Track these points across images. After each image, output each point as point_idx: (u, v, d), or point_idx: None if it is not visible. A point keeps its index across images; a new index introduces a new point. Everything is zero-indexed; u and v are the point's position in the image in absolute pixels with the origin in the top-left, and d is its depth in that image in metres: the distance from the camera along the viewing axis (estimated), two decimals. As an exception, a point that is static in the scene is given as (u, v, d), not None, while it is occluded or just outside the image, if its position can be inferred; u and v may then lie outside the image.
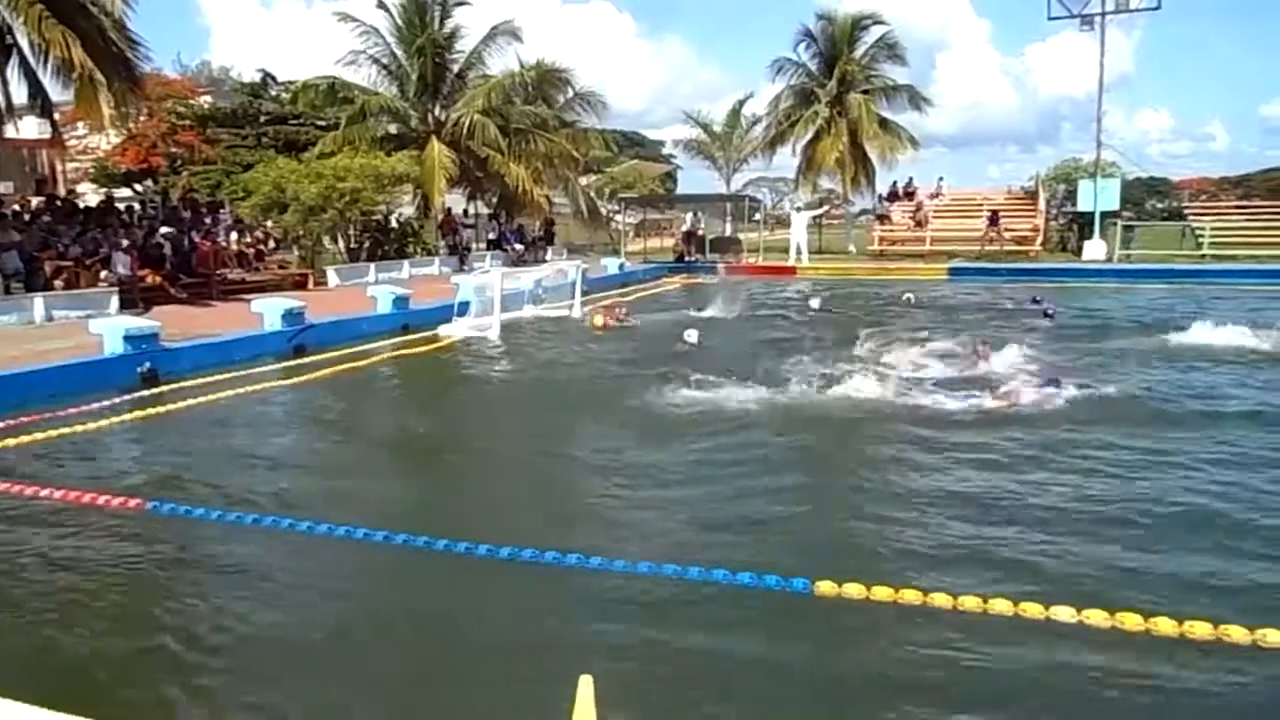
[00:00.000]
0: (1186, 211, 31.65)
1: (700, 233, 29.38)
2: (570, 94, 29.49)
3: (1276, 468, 6.04)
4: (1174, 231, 28.88)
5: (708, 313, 15.53)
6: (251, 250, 19.32)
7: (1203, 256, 25.70)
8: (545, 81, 28.03)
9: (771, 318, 15.69)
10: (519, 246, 26.98)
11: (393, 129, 26.79)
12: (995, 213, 28.74)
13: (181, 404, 8.57)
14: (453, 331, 13.16)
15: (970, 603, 4.00)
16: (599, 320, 13.72)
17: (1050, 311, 14.68)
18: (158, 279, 15.41)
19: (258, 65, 51.13)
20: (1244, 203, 35.50)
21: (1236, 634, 3.70)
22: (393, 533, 4.93)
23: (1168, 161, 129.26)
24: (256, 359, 10.74)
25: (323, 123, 30.07)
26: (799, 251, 27.13)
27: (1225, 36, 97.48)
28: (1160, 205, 34.47)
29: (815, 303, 16.65)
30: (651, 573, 4.39)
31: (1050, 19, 27.95)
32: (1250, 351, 10.55)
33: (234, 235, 19.46)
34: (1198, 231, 27.41)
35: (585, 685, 3.05)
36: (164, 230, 17.12)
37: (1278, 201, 33.10)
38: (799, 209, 29.82)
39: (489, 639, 3.91)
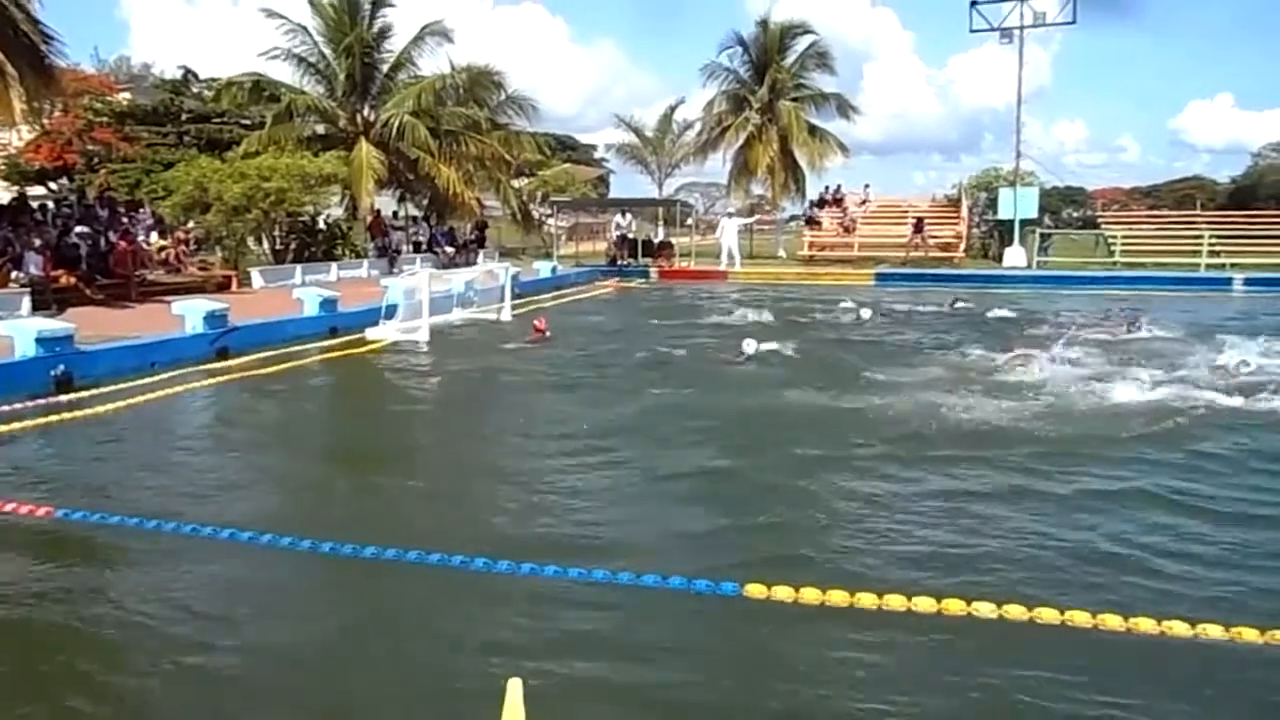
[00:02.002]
0: (1100, 220, 32.81)
1: (631, 236, 29.47)
2: (502, 96, 29.37)
3: None
4: (1088, 239, 29.93)
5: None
6: (172, 251, 18.78)
7: (1115, 263, 26.68)
8: (476, 84, 27.84)
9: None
10: (449, 249, 26.71)
11: (320, 129, 26.32)
12: (920, 220, 29.37)
13: (98, 409, 8.31)
14: (381, 334, 12.99)
15: (895, 601, 4.10)
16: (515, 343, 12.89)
17: (1136, 322, 13.83)
18: (72, 280, 14.90)
19: (180, 62, 49.73)
20: (1153, 212, 36.98)
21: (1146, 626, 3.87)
22: (318, 540, 4.85)
23: (1083, 171, 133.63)
24: (177, 362, 10.46)
25: (247, 121, 29.42)
26: (730, 256, 27.39)
27: (1136, 53, 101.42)
28: (1076, 214, 35.75)
29: (865, 313, 15.59)
30: (582, 578, 4.41)
31: (972, 32, 28.73)
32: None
33: (154, 235, 18.91)
34: (1110, 239, 28.46)
35: (514, 688, 3.06)
36: (79, 229, 16.54)
37: (1184, 211, 34.63)
38: (730, 215, 30.10)
39: (417, 644, 3.88)
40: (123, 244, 16.52)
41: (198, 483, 6.17)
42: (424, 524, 5.40)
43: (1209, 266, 24.89)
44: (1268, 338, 10.98)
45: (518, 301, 16.52)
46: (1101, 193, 48.98)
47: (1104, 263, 26.99)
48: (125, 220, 18.45)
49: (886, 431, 7.31)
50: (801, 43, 32.43)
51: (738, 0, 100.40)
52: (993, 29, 28.38)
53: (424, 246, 26.69)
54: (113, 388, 9.08)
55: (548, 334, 13.00)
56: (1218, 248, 26.00)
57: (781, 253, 32.38)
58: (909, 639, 3.86)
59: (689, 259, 28.77)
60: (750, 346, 11.21)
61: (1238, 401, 8.07)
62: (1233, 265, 24.43)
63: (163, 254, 18.43)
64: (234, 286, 18.43)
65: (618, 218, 29.94)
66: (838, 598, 4.15)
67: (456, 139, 26.35)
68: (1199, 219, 30.54)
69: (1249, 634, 3.78)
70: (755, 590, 4.22)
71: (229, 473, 6.59)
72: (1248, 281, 21.66)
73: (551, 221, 35.19)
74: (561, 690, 3.43)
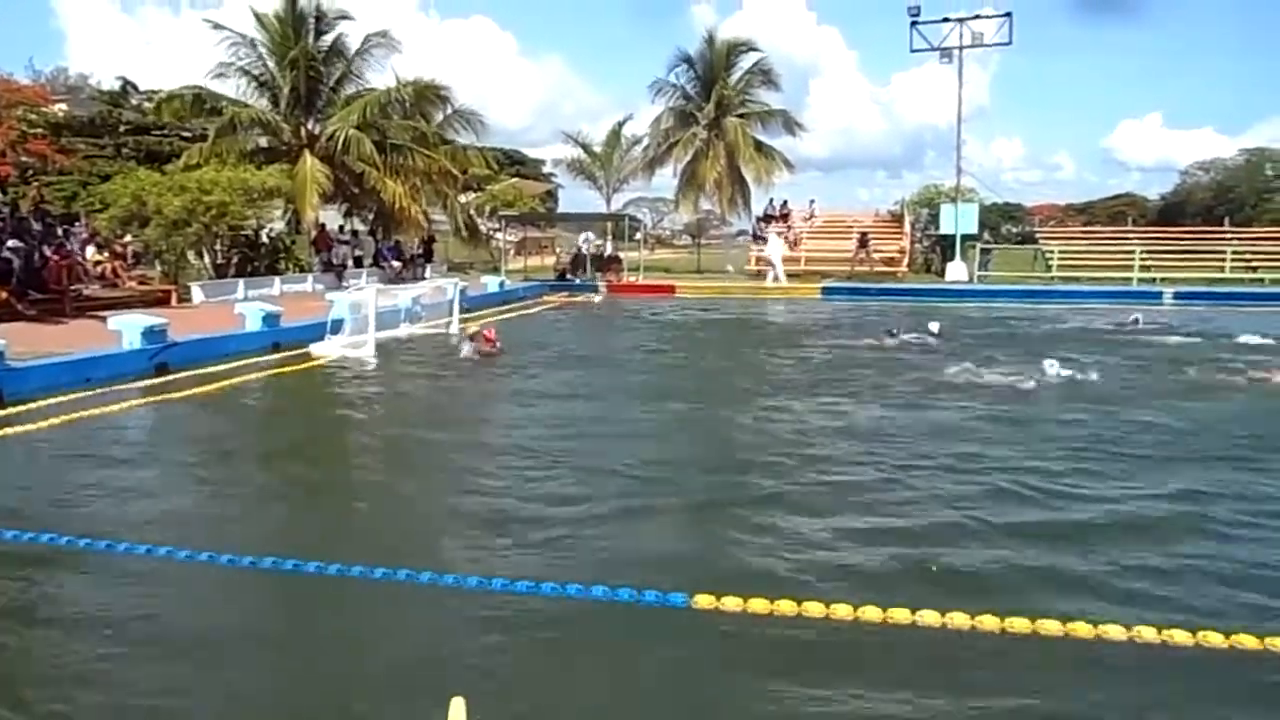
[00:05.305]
0: (1038, 236, 33.69)
1: (594, 252, 29.73)
2: (449, 110, 29.26)
3: None
4: (1026, 254, 30.69)
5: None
6: (109, 265, 18.36)
7: (1052, 278, 27.37)
8: (422, 98, 27.69)
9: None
10: (396, 264, 26.49)
11: (264, 142, 25.99)
12: (864, 234, 29.85)
13: (30, 426, 8.05)
14: (325, 350, 12.80)
15: (841, 610, 4.12)
16: (467, 349, 12.71)
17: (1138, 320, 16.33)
18: (3, 294, 14.48)
19: (118, 73, 48.50)
20: (1088, 228, 38.10)
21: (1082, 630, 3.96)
22: (259, 557, 4.78)
23: (1021, 188, 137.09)
24: (114, 379, 10.20)
25: (188, 134, 28.94)
26: (776, 274, 27.35)
27: (1070, 74, 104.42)
28: (1014, 229, 36.58)
29: (934, 326, 14.76)
30: (530, 591, 4.38)
31: (913, 51, 29.42)
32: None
33: (90, 249, 18.46)
34: (1048, 254, 29.22)
35: (457, 707, 3.03)
36: (12, 243, 16.07)
37: (1117, 227, 35.70)
38: (778, 233, 30.14)
39: (360, 662, 3.83)
40: (57, 258, 16.11)
41: (134, 501, 6.02)
42: (369, 540, 5.33)
43: (1140, 280, 25.66)
44: None
45: (466, 316, 16.44)
46: (1039, 209, 50.18)
47: (1042, 277, 27.70)
48: (60, 234, 18.00)
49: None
50: (747, 60, 32.97)
51: (686, 18, 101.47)
52: (933, 49, 29.09)
53: (369, 261, 26.43)
54: (46, 404, 8.83)
55: (498, 345, 12.91)
56: (1148, 262, 26.86)
57: (729, 267, 32.64)
58: (858, 648, 3.89)
59: (637, 273, 28.88)
60: (1052, 368, 10.43)
61: None
62: (1162, 279, 25.23)
63: (99, 268, 18.01)
64: (174, 301, 18.09)
65: (586, 233, 30.22)
66: (786, 607, 4.17)
67: (403, 153, 26.18)
68: (1131, 235, 31.54)
69: None
70: (704, 601, 4.23)
71: (167, 491, 6.43)
72: (1177, 295, 22.38)
73: (500, 236, 35.07)
74: (507, 707, 3.40)
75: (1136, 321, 16.44)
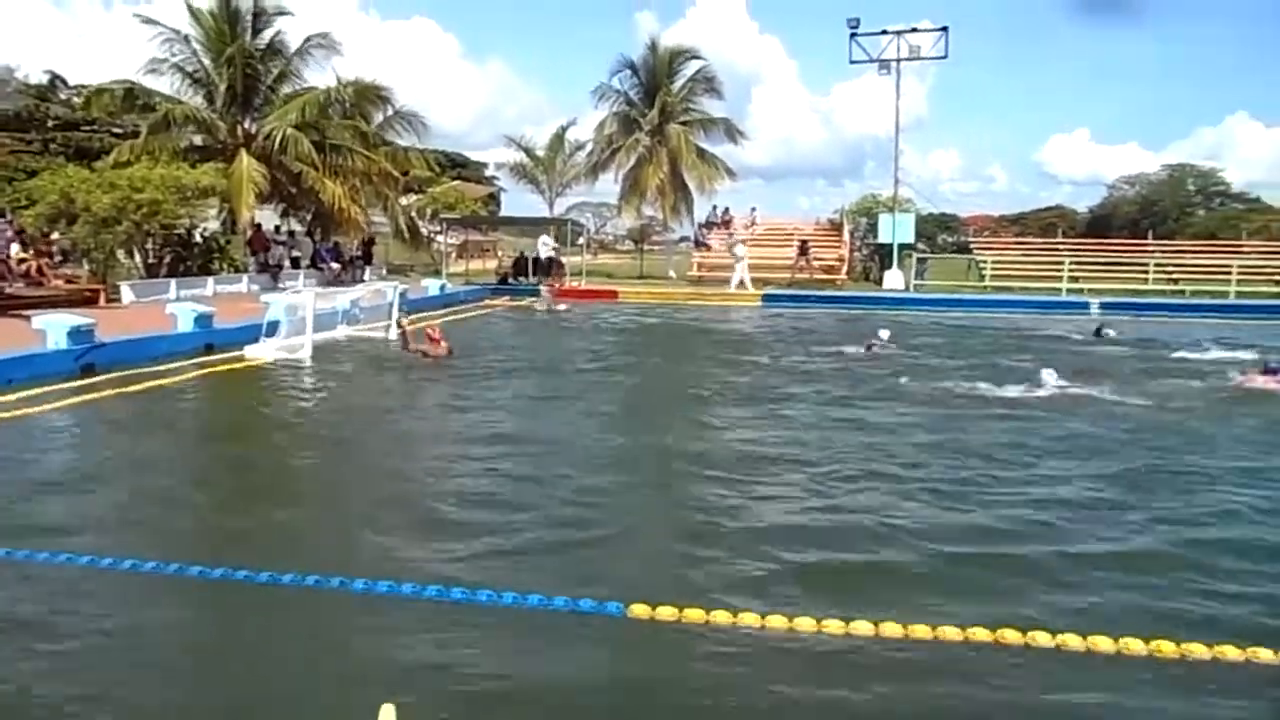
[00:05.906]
0: (972, 245, 34.44)
1: (542, 256, 29.64)
2: (389, 111, 28.96)
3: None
4: (961, 264, 31.36)
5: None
6: (34, 263, 17.80)
7: (985, 287, 28.02)
8: (363, 99, 27.37)
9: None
10: (334, 265, 26.13)
11: (198, 140, 25.46)
12: (805, 243, 30.21)
13: (-54, 431, 7.81)
14: (260, 353, 12.57)
15: (776, 621, 4.16)
16: (417, 352, 12.64)
17: (1103, 332, 16.53)
18: (-79, 293, 13.98)
19: (47, 67, 46.94)
20: (1020, 239, 39.02)
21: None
22: (185, 564, 4.69)
23: (957, 199, 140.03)
24: (38, 380, 9.90)
25: (119, 130, 28.22)
26: (742, 283, 27.33)
27: (1003, 88, 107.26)
28: (950, 239, 37.31)
29: (884, 334, 14.57)
30: (466, 599, 4.37)
31: (852, 62, 29.87)
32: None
33: (15, 247, 17.89)
34: (981, 264, 29.90)
35: (387, 714, 3.02)
36: (-71, 240, 15.55)
37: (1048, 238, 36.68)
38: (743, 241, 30.30)
39: (289, 670, 3.79)
40: (-22, 256, 15.60)
41: (54, 507, 5.86)
42: (302, 547, 5.26)
43: (1069, 291, 26.40)
44: None
45: (408, 319, 16.26)
46: (973, 219, 51.23)
47: (976, 286, 28.33)
48: (-18, 230, 17.43)
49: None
50: (690, 67, 33.26)
51: (630, 24, 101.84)
52: (871, 60, 29.56)
53: (307, 262, 26.02)
54: (-36, 408, 8.55)
55: (444, 344, 12.76)
56: (1077, 273, 27.64)
57: (671, 273, 32.81)
58: (792, 658, 3.93)
59: (580, 278, 28.87)
60: (1050, 378, 10.23)
61: None
62: (1090, 290, 26.00)
63: (24, 266, 17.47)
64: (102, 301, 17.58)
65: (545, 237, 30.13)
66: (721, 618, 4.19)
67: (342, 153, 25.84)
68: (1061, 246, 32.39)
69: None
70: (639, 610, 4.24)
71: (89, 497, 6.24)
72: (1103, 305, 23.06)
73: (441, 239, 34.78)
74: (439, 715, 3.39)
75: (1103, 332, 16.52)
